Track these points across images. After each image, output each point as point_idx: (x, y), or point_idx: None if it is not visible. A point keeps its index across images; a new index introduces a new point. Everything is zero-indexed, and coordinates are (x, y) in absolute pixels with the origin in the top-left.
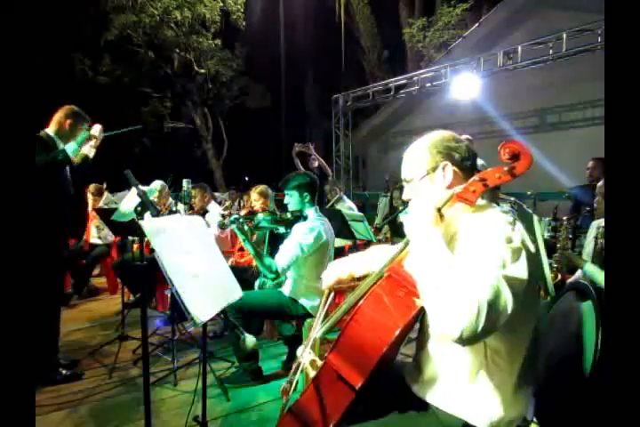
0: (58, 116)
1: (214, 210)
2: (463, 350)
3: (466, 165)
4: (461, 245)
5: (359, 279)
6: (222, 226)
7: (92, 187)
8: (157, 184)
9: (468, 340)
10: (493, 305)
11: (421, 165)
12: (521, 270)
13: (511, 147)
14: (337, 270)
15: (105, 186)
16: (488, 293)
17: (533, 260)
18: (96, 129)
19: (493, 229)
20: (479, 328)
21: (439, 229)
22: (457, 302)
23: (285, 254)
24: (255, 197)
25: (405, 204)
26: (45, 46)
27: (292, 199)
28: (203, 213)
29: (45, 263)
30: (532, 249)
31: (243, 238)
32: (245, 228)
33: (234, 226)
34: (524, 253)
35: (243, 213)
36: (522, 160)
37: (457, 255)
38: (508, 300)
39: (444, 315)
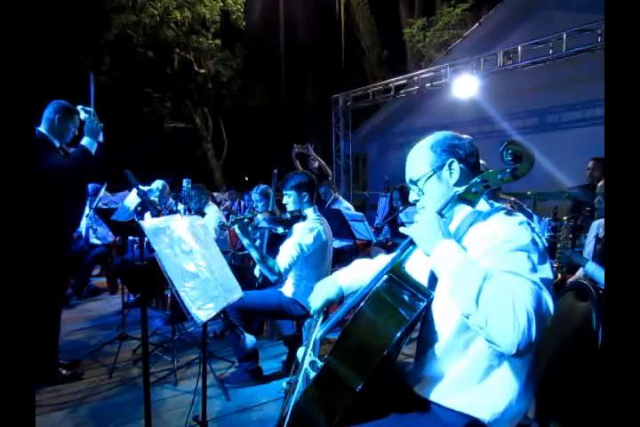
0: (47, 112)
1: (212, 213)
2: (481, 351)
3: (470, 161)
4: (484, 253)
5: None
6: (223, 226)
7: None
8: (158, 184)
9: (524, 352)
10: (540, 312)
11: (427, 165)
12: (549, 271)
13: (514, 148)
14: (325, 291)
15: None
16: (532, 302)
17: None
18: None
19: (517, 234)
20: (533, 339)
21: (452, 240)
22: (505, 319)
23: (286, 255)
24: (257, 198)
25: (405, 204)
26: (45, 46)
27: (290, 199)
28: (200, 215)
29: (47, 263)
30: (546, 244)
31: (247, 243)
32: (248, 229)
33: (235, 227)
34: (547, 254)
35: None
36: (524, 162)
37: (482, 264)
38: (549, 303)
39: (497, 335)
